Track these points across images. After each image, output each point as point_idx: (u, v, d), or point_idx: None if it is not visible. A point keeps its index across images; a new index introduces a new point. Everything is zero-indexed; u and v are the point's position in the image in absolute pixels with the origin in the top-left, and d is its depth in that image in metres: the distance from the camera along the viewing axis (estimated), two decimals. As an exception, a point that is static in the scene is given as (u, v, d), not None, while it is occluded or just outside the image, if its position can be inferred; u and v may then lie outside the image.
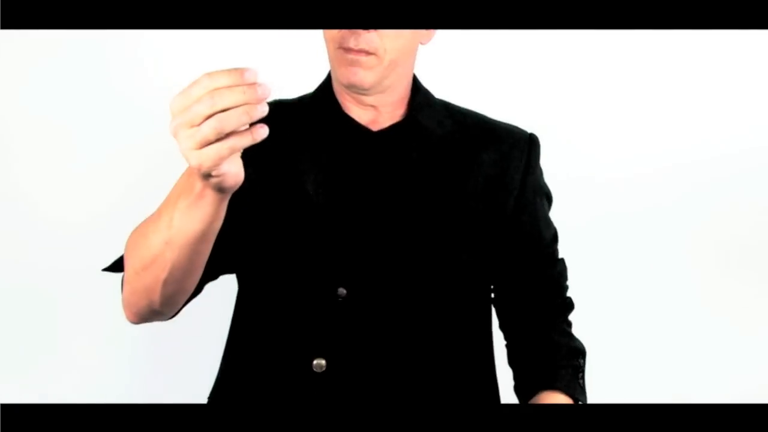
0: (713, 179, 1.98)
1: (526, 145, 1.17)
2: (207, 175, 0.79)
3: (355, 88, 1.08)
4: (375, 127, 1.12)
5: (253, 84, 0.73)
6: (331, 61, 1.10)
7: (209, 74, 0.74)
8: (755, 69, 1.98)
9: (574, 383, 1.15)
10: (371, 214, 1.09)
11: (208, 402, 1.18)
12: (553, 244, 1.23)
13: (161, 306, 0.97)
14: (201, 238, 0.88)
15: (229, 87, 0.73)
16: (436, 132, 1.13)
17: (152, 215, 0.93)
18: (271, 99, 0.79)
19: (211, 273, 1.07)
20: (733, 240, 2.00)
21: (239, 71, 0.73)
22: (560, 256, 1.25)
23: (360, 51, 1.04)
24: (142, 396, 1.88)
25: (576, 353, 1.18)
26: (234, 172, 0.80)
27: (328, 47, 1.09)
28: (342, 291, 1.06)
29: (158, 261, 0.91)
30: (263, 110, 0.75)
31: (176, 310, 1.04)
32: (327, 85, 1.16)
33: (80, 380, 1.90)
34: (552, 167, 1.26)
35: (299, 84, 1.22)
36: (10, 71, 1.87)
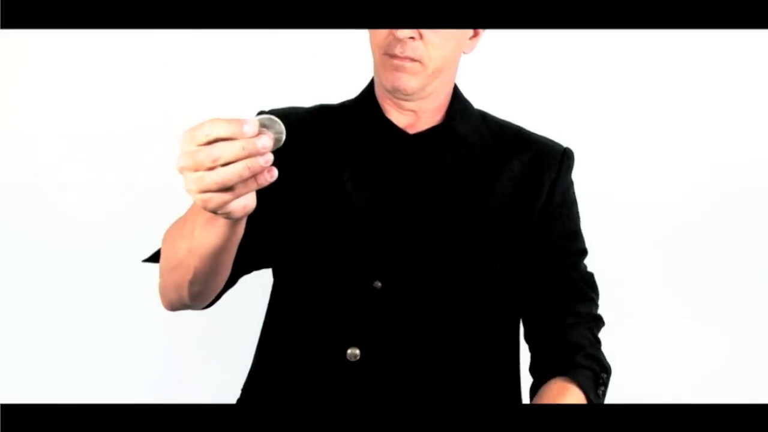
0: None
1: (559, 156, 1.19)
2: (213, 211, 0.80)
3: (398, 93, 1.12)
4: (412, 131, 1.16)
5: (253, 137, 0.74)
6: (376, 66, 1.14)
7: (212, 121, 0.75)
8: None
9: (592, 385, 1.10)
10: (406, 212, 1.13)
11: (242, 393, 1.22)
12: (580, 257, 1.22)
13: (190, 301, 1.03)
14: (219, 251, 0.91)
15: (229, 139, 0.74)
16: (470, 138, 1.17)
17: (182, 217, 0.97)
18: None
19: (245, 268, 1.13)
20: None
21: (239, 123, 0.74)
22: (590, 270, 1.23)
23: (405, 58, 1.08)
24: (163, 393, 1.88)
25: (600, 363, 1.14)
26: (242, 206, 0.80)
27: (374, 53, 1.13)
28: (378, 284, 1.10)
29: (183, 265, 0.95)
30: (267, 159, 0.75)
31: (207, 303, 1.09)
32: (369, 90, 1.20)
33: (98, 378, 1.90)
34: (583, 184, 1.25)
35: (340, 88, 1.27)
36: (17, 68, 1.87)
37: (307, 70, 1.87)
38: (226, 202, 0.77)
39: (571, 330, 1.16)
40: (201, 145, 0.75)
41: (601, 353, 1.17)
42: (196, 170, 0.75)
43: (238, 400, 1.22)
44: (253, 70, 1.88)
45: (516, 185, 1.15)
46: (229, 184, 0.75)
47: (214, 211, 0.79)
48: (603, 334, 1.22)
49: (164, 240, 1.01)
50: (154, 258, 1.10)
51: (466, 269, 1.13)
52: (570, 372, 1.09)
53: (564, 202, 1.19)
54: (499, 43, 1.61)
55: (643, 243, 1.97)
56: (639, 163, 1.97)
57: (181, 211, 1.00)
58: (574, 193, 1.22)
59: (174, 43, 1.87)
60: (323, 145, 1.15)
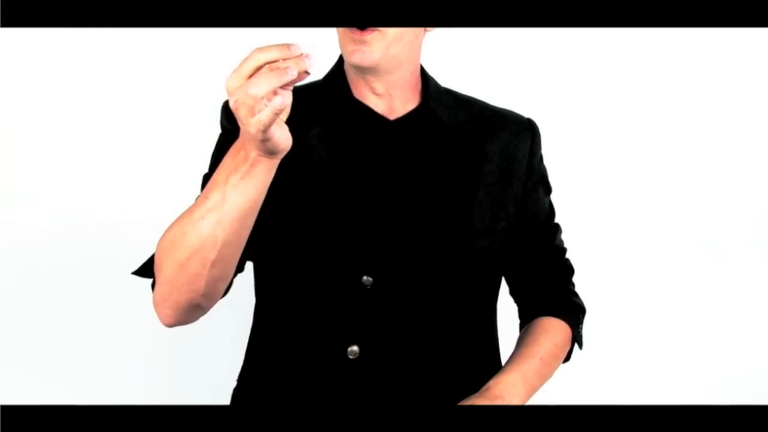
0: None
1: (529, 132, 1.23)
2: (264, 141, 0.88)
3: (361, 68, 1.11)
4: (391, 116, 1.15)
5: (301, 56, 0.84)
6: (340, 43, 1.12)
7: (260, 49, 0.84)
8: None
9: (575, 320, 1.25)
10: (394, 202, 1.13)
11: (234, 394, 1.23)
12: (552, 218, 1.30)
13: (203, 296, 1.02)
14: (253, 208, 0.96)
15: (277, 61, 0.84)
16: (448, 120, 1.18)
17: (187, 210, 0.99)
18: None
19: (240, 262, 1.12)
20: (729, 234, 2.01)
21: (287, 46, 0.84)
22: (556, 221, 1.31)
23: (364, 31, 1.07)
24: (153, 396, 1.88)
25: (578, 309, 1.27)
26: (285, 137, 0.90)
27: (338, 31, 1.11)
28: (368, 279, 1.11)
29: (207, 243, 0.96)
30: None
31: (214, 302, 1.08)
32: (339, 74, 1.18)
33: (91, 380, 1.90)
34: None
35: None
36: (12, 70, 1.87)
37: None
38: (275, 111, 0.84)
39: (555, 289, 1.28)
40: (249, 77, 0.84)
41: (578, 298, 1.29)
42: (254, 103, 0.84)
43: (232, 401, 1.22)
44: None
45: (499, 167, 1.18)
46: (273, 84, 0.83)
47: (265, 131, 0.86)
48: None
49: (167, 241, 1.00)
50: (145, 271, 1.08)
51: (456, 257, 1.14)
52: (553, 310, 1.25)
53: (538, 178, 1.24)
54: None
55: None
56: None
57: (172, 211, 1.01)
58: (544, 165, 1.27)
59: (174, 42, 1.87)
60: (301, 133, 1.11)
